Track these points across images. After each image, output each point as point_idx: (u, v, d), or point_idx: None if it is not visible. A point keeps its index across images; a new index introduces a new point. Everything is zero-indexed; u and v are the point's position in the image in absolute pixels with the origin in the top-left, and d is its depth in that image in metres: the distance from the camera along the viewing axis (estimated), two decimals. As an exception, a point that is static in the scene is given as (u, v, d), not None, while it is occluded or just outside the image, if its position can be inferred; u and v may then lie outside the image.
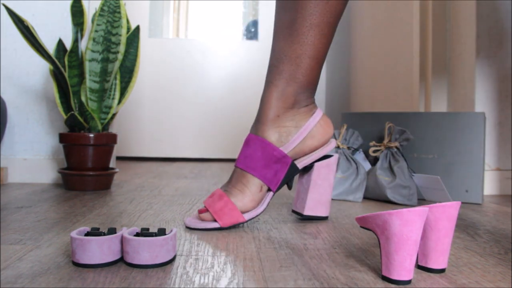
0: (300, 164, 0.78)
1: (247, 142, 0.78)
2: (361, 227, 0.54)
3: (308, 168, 0.82)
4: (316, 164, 0.81)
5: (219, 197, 0.76)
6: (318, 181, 0.82)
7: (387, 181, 1.05)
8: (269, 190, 0.78)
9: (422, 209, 0.49)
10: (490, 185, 1.25)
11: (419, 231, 0.49)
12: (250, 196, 0.75)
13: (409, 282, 0.50)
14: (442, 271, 0.54)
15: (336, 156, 0.84)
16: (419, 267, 0.55)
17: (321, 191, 0.82)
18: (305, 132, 0.77)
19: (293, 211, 0.85)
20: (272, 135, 0.76)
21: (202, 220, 0.75)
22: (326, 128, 0.80)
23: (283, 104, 0.77)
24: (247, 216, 0.75)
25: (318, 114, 0.80)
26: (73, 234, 0.55)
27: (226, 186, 0.78)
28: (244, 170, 0.76)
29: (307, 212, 0.82)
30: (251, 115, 2.51)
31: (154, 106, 2.49)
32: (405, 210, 0.48)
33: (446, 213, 0.52)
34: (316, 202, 0.82)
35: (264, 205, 0.77)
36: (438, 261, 0.54)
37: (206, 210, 0.76)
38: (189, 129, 2.50)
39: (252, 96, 2.52)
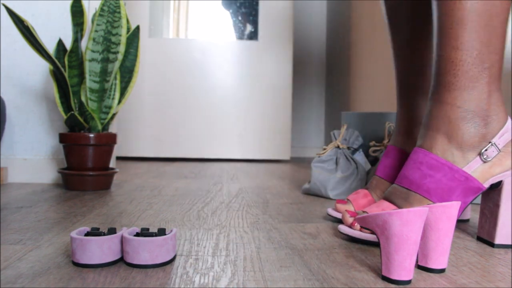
0: (487, 182, 0.66)
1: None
2: (361, 227, 0.54)
3: (495, 185, 0.68)
4: (505, 180, 0.66)
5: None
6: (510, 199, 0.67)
7: (387, 181, 1.05)
8: None
9: (422, 209, 0.49)
10: (490, 185, 1.25)
11: (419, 231, 0.49)
12: None
13: (409, 282, 0.50)
14: (442, 271, 0.54)
15: None
16: (419, 267, 0.55)
17: None
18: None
19: (479, 238, 0.71)
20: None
21: (347, 215, 0.68)
22: None
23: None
24: None
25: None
26: (73, 234, 0.55)
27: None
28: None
29: (499, 240, 0.67)
30: (251, 115, 2.51)
31: (154, 106, 2.49)
32: (405, 210, 0.48)
33: (446, 213, 0.52)
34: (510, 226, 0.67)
35: None
36: (438, 261, 0.54)
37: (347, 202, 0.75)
38: (189, 129, 2.50)
39: (252, 97, 2.52)
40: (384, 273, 0.51)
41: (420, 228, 0.49)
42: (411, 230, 0.49)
